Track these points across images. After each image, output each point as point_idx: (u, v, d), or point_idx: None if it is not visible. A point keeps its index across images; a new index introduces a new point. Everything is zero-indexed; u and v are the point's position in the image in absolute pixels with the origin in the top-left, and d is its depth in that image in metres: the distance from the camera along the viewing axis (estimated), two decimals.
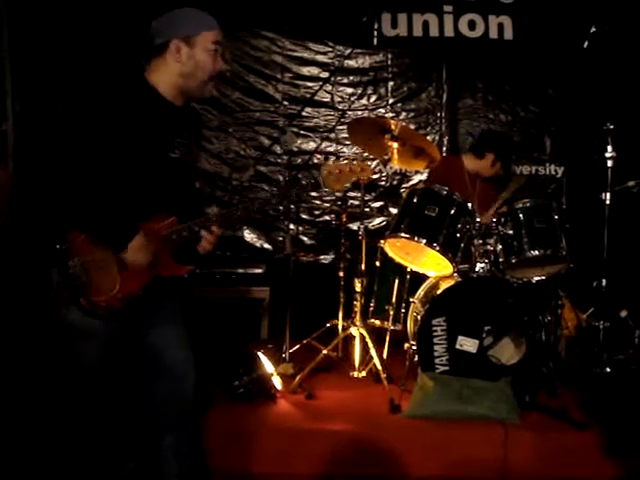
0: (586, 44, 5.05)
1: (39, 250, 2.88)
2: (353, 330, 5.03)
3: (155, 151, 2.87)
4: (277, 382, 4.67)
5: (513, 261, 4.68)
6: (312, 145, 6.77)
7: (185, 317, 3.13)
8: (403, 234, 4.70)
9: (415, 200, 4.77)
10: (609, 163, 4.88)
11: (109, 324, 2.85)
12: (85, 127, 2.70)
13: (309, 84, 6.75)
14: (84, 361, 2.90)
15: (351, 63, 6.75)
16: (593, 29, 5.03)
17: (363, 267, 5.19)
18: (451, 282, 4.72)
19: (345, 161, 3.12)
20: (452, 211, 4.70)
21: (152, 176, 2.86)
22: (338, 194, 6.63)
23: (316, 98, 6.63)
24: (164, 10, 2.93)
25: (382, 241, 4.97)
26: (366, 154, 5.94)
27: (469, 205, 4.76)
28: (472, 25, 6.64)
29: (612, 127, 4.86)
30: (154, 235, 2.84)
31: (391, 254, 4.99)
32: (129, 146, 2.76)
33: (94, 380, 2.92)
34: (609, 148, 4.86)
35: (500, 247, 4.73)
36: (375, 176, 6.78)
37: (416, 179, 6.71)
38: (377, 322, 5.27)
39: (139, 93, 2.83)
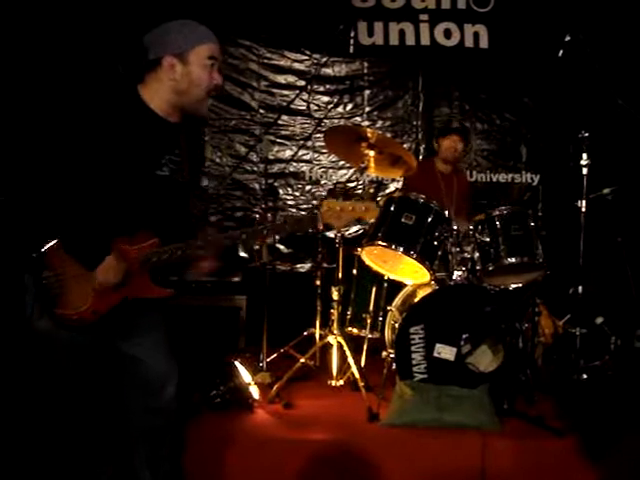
0: (561, 53, 5.08)
1: (14, 255, 2.84)
2: (330, 339, 5.01)
3: (142, 168, 2.77)
4: (254, 391, 4.64)
5: (490, 268, 4.69)
6: (288, 153, 6.78)
7: (168, 327, 3.08)
8: (380, 242, 4.69)
9: (392, 208, 4.76)
10: (584, 171, 4.91)
11: (81, 335, 2.80)
12: (70, 137, 2.64)
13: (285, 92, 6.77)
14: (56, 368, 2.85)
15: (327, 71, 6.77)
16: (567, 38, 5.05)
17: (340, 275, 5.18)
18: (428, 290, 4.72)
19: (348, 201, 2.85)
20: (429, 219, 4.70)
21: (136, 193, 2.76)
22: (314, 202, 6.65)
23: (292, 106, 6.64)
24: (156, 20, 2.84)
25: (359, 249, 4.96)
26: (343, 159, 5.94)
27: (446, 213, 4.77)
28: (448, 34, 6.69)
29: (587, 135, 4.89)
30: (131, 255, 2.77)
31: (368, 262, 4.98)
32: (114, 161, 2.68)
33: (66, 387, 2.88)
34: (584, 156, 4.90)
35: (477, 255, 4.74)
36: (352, 184, 6.81)
37: (393, 187, 6.73)
38: (355, 330, 5.26)
39: (130, 107, 2.74)
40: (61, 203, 2.66)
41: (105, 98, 2.72)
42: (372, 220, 2.99)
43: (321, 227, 2.87)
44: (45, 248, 2.70)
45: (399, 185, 6.46)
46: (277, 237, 2.91)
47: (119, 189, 2.72)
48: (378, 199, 6.56)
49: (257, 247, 5.73)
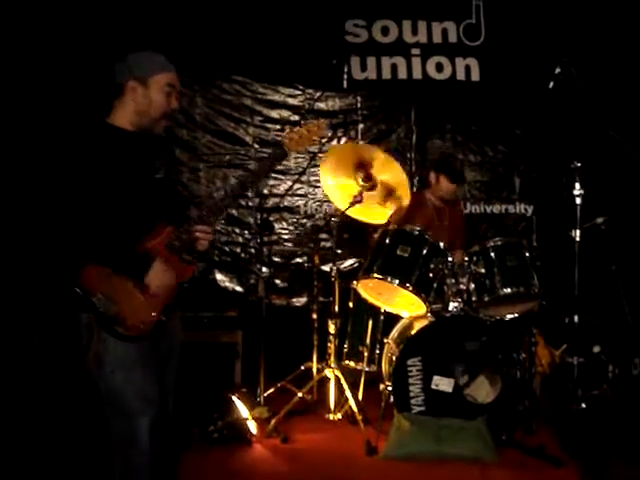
0: (551, 84, 5.13)
1: (62, 296, 2.91)
2: (328, 372, 5.01)
3: (143, 179, 3.00)
4: (252, 426, 4.62)
5: (486, 299, 4.70)
6: (283, 187, 6.80)
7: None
8: (376, 275, 4.70)
9: (387, 241, 4.78)
10: (577, 200, 4.93)
11: (147, 344, 2.90)
12: (83, 184, 2.84)
13: (279, 127, 6.79)
14: (136, 390, 2.88)
15: (321, 106, 6.81)
16: (558, 70, 5.11)
17: (336, 308, 5.19)
18: (425, 322, 4.72)
19: (301, 125, 3.26)
20: (424, 251, 4.71)
21: (146, 199, 2.98)
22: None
23: None
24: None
25: (355, 282, 4.95)
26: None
27: (441, 245, 4.78)
28: (440, 67, 6.76)
29: (579, 165, 4.92)
30: (158, 247, 2.95)
31: (364, 295, 4.98)
32: (122, 184, 2.90)
33: (150, 407, 2.91)
34: (577, 186, 4.92)
35: (473, 286, 4.75)
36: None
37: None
38: (352, 364, 5.25)
39: (111, 140, 2.96)
40: (92, 229, 2.84)
41: (92, 147, 2.91)
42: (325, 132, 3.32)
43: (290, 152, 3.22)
44: (85, 276, 2.83)
45: None
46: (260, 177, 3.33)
47: (132, 202, 2.94)
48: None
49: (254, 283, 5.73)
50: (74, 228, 2.81)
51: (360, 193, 4.91)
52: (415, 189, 6.77)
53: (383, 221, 5.03)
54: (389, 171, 4.95)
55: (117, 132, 3.00)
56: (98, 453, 3.06)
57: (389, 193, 5.04)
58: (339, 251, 5.77)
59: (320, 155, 6.74)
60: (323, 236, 6.39)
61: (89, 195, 2.83)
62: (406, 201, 4.95)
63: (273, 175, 6.78)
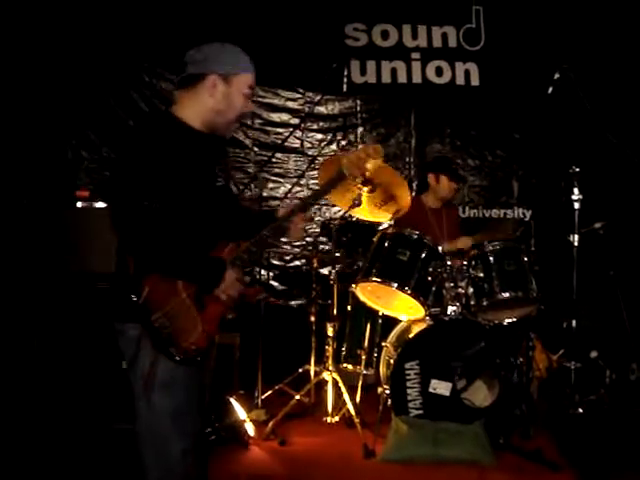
0: (550, 89, 5.15)
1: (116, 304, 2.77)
2: (325, 375, 5.01)
3: (207, 185, 2.88)
4: (250, 428, 4.63)
5: (484, 303, 4.70)
6: (282, 190, 6.81)
7: None
8: (374, 278, 4.71)
9: (386, 244, 4.79)
10: (576, 205, 4.95)
11: (197, 364, 2.77)
12: (151, 184, 2.63)
13: (279, 130, 6.81)
14: (178, 412, 2.73)
15: (321, 109, 6.83)
16: (557, 75, 5.12)
17: (335, 311, 5.19)
18: (423, 325, 4.72)
19: (358, 148, 3.18)
20: (423, 255, 4.72)
21: (210, 209, 2.85)
22: (308, 239, 6.67)
23: (286, 144, 6.67)
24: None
25: (353, 285, 4.96)
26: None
27: (439, 249, 4.79)
28: (439, 72, 6.78)
29: (578, 170, 4.93)
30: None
31: (362, 298, 4.98)
32: (190, 188, 2.74)
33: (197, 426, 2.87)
34: (575, 191, 4.93)
35: (471, 290, 4.76)
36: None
37: (385, 224, 6.75)
38: (349, 366, 5.25)
39: (177, 135, 2.76)
40: (164, 236, 2.65)
41: (156, 136, 2.72)
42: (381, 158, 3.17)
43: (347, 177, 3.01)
44: (145, 290, 2.64)
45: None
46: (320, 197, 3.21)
47: (200, 211, 2.79)
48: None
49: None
50: (147, 233, 2.62)
51: (359, 196, 4.89)
52: (414, 193, 6.78)
53: (386, 220, 5.05)
54: (385, 174, 4.94)
55: (186, 130, 2.79)
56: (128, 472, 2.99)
57: (389, 198, 5.04)
58: (338, 254, 5.77)
59: (319, 158, 6.76)
60: (322, 239, 6.40)
61: (163, 198, 2.63)
62: (407, 200, 4.93)
63: (272, 178, 6.79)
